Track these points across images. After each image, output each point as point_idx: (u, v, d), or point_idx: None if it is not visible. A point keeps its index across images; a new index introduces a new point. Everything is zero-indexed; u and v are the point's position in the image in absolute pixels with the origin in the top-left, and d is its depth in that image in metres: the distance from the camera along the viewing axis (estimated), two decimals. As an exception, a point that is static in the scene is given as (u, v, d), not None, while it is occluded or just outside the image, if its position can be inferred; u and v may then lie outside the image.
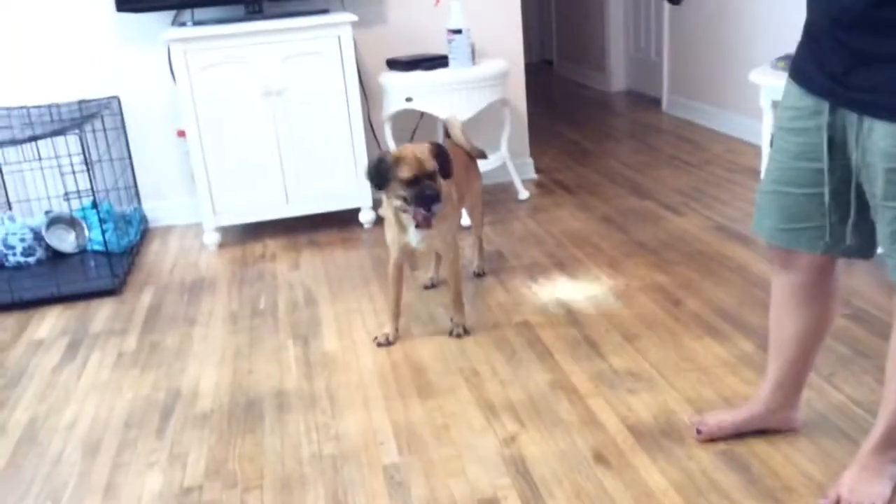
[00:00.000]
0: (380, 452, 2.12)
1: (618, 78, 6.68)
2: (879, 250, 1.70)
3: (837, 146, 1.65)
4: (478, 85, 3.76)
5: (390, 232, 2.71)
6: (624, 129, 5.52)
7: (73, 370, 2.69)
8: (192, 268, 3.55)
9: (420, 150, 2.52)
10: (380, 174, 2.50)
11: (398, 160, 2.49)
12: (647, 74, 6.18)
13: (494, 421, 2.22)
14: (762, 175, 1.87)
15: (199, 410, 2.38)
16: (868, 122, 1.56)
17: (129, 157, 3.99)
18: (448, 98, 3.72)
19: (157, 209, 4.11)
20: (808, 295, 1.85)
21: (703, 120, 5.26)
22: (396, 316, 2.73)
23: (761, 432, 2.02)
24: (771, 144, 1.82)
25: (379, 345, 2.68)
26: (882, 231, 1.62)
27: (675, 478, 1.92)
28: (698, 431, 2.03)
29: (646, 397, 2.27)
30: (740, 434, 2.02)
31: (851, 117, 1.59)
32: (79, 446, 2.25)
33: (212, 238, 3.75)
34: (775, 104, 3.26)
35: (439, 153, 2.54)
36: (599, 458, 2.02)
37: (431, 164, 2.50)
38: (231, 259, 3.62)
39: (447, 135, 3.08)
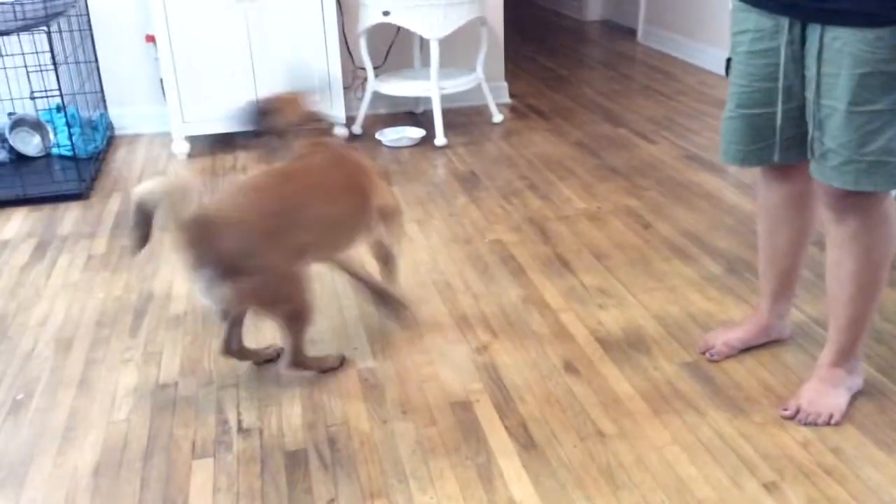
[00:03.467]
0: (354, 357, 2.15)
1: (594, 7, 6.61)
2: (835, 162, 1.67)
3: (796, 63, 1.67)
4: (456, 1, 3.70)
5: None
6: (598, 58, 5.50)
7: (42, 270, 2.66)
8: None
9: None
10: None
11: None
12: (624, 4, 6.13)
13: (467, 331, 2.26)
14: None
15: (173, 313, 2.38)
16: (832, 31, 1.57)
17: (96, 61, 3.88)
18: (426, 13, 3.66)
19: (124, 116, 4.02)
20: (801, 201, 1.90)
21: (677, 51, 5.25)
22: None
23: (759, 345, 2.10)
24: (727, 72, 1.83)
25: None
26: (846, 138, 1.61)
27: (641, 386, 1.99)
28: (710, 357, 2.08)
29: (615, 312, 2.32)
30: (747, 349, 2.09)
31: (813, 30, 1.60)
32: (51, 342, 2.25)
33: (181, 147, 3.69)
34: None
35: None
36: (569, 367, 2.08)
37: None
38: (201, 169, 3.58)
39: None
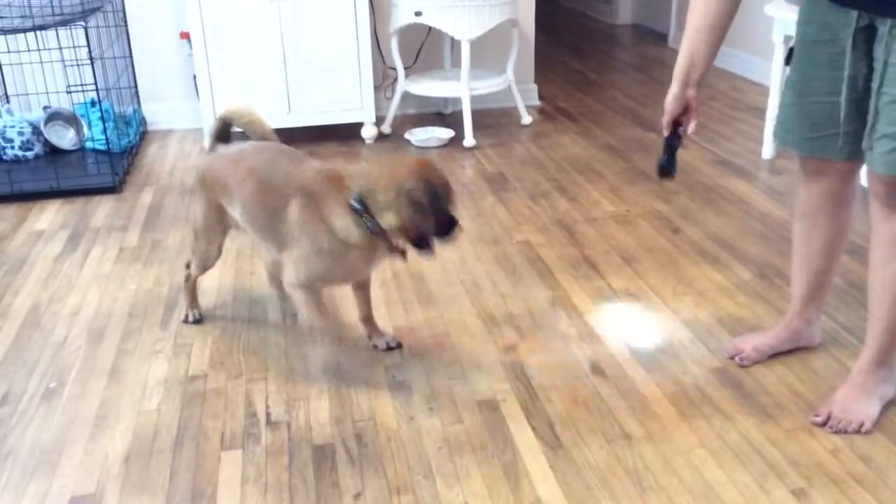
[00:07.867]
0: (381, 354, 2.16)
1: (624, 11, 6.59)
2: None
3: (862, 54, 1.68)
4: (489, 2, 3.70)
5: (342, 261, 1.96)
6: (628, 62, 5.48)
7: (75, 261, 2.70)
8: (192, 171, 3.52)
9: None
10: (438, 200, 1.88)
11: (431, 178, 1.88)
12: (655, 8, 6.10)
13: (495, 330, 2.26)
14: (778, 97, 1.89)
15: (203, 306, 2.40)
16: None
17: (131, 57, 3.93)
18: (458, 14, 3.67)
19: (157, 112, 4.07)
20: (838, 201, 1.89)
21: (708, 57, 5.22)
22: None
23: (788, 351, 2.09)
24: (786, 62, 1.84)
25: None
26: None
27: (668, 389, 1.98)
28: (739, 362, 2.06)
29: (643, 316, 2.31)
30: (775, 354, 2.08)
31: (882, 23, 1.61)
32: (83, 332, 2.28)
33: (212, 143, 3.72)
34: (787, 39, 3.24)
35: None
36: (596, 368, 2.08)
37: None
38: (231, 165, 3.60)
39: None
